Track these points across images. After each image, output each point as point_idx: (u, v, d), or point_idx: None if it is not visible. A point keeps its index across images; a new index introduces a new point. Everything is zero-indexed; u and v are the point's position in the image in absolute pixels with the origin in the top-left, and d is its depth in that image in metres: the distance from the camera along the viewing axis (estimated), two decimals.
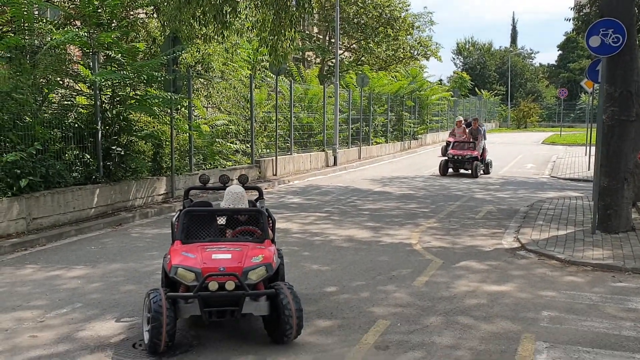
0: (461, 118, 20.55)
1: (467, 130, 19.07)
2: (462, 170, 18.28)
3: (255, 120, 16.88)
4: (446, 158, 18.40)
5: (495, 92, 63.71)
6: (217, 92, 16.03)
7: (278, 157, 17.58)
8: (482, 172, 18.23)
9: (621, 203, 9.37)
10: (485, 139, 19.36)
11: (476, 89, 58.33)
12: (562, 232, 9.60)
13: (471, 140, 18.47)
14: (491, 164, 19.01)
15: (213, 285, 4.73)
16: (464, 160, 17.87)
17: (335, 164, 20.70)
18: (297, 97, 19.75)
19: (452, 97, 41.87)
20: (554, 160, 23.74)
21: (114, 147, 11.34)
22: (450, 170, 18.31)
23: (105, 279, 7.08)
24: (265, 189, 15.69)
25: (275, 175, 17.40)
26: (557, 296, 6.48)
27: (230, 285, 4.75)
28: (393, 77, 32.54)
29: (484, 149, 18.59)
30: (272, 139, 17.75)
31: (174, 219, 5.71)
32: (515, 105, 62.41)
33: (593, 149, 10.28)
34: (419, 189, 15.52)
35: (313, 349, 5.07)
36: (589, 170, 18.46)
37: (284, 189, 15.71)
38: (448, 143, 19.50)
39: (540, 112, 61.06)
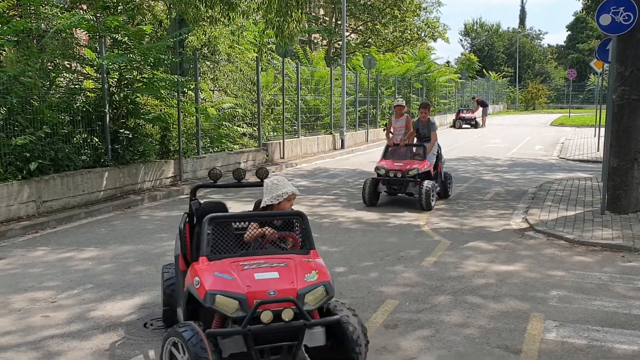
0: (401, 101, 11.59)
1: (411, 122, 11.24)
2: (402, 195, 10.57)
3: (262, 103, 16.85)
4: (375, 176, 10.55)
5: (503, 73, 63.27)
6: (224, 75, 16.00)
7: (285, 140, 17.57)
8: (435, 196, 10.40)
9: (631, 183, 9.31)
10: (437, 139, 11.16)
11: (484, 71, 57.94)
12: (571, 212, 9.57)
13: (418, 143, 10.86)
14: (451, 180, 11.43)
15: (266, 316, 3.57)
16: (404, 180, 10.18)
17: (342, 147, 20.67)
18: (304, 79, 19.68)
19: (459, 79, 41.64)
20: (562, 141, 23.60)
21: (121, 131, 11.36)
22: (385, 192, 10.67)
23: (115, 261, 7.14)
24: (273, 172, 15.72)
25: (283, 158, 17.41)
26: (566, 276, 6.48)
27: (287, 314, 3.61)
28: (400, 59, 32.38)
29: (438, 157, 10.95)
30: (279, 122, 17.72)
31: (181, 224, 4.66)
32: (524, 87, 61.99)
33: (602, 130, 10.21)
34: (445, 163, 15.46)
35: None
36: (598, 151, 18.34)
37: (291, 172, 15.72)
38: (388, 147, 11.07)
39: (549, 94, 60.62)
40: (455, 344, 4.73)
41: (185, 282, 4.08)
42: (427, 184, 10.07)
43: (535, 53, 71.77)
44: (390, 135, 11.27)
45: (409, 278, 6.43)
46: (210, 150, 14.61)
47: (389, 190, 10.53)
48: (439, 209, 10.35)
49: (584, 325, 5.07)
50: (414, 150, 10.74)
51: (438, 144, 11.03)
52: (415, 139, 11.03)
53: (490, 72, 58.30)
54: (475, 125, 33.34)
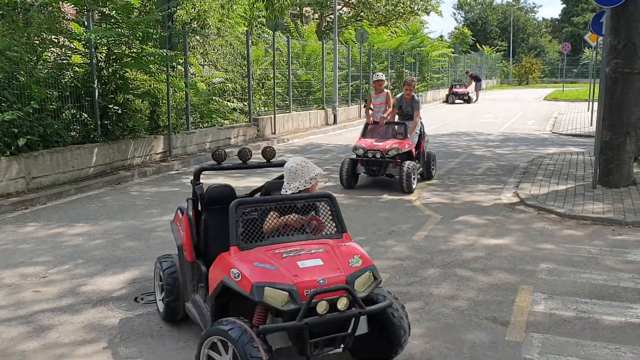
0: (381, 75, 10.70)
1: (392, 100, 10.50)
2: (382, 176, 10.05)
3: (253, 78, 16.70)
4: (354, 156, 9.84)
5: (497, 47, 62.93)
6: (213, 50, 15.80)
7: (276, 115, 17.46)
8: (418, 177, 9.90)
9: (623, 157, 9.32)
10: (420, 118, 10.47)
11: (477, 45, 57.57)
12: (562, 187, 9.59)
13: (399, 121, 10.32)
14: (435, 161, 10.82)
15: (322, 306, 3.33)
16: (384, 161, 9.57)
17: (335, 122, 20.57)
18: (295, 53, 19.49)
19: (453, 53, 41.37)
20: (555, 116, 23.59)
21: (110, 106, 11.24)
22: (364, 173, 9.99)
23: (106, 236, 7.11)
24: None
25: (274, 133, 17.32)
26: (556, 249, 6.51)
27: (342, 303, 3.39)
28: (393, 33, 32.09)
29: (421, 136, 10.28)
30: (270, 96, 17.59)
31: (188, 211, 4.31)
32: (517, 61, 61.77)
33: (596, 104, 10.17)
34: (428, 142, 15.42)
35: None
36: (591, 125, 18.35)
37: (283, 147, 15.65)
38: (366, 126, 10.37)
39: (543, 68, 60.46)
40: (444, 315, 4.76)
41: (213, 275, 3.72)
42: (408, 165, 9.38)
43: (529, 27, 71.38)
44: (370, 112, 10.63)
45: (400, 252, 6.44)
46: (200, 125, 14.51)
47: (368, 172, 9.81)
48: (430, 184, 10.35)
49: (572, 298, 5.11)
50: (395, 129, 10.00)
51: (421, 122, 10.36)
52: (397, 117, 10.46)
53: (483, 46, 57.95)
54: (468, 101, 33.29)
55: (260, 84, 18.03)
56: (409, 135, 9.82)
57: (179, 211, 4.66)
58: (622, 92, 9.19)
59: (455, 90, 33.77)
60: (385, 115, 10.25)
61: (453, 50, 41.77)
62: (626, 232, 7.18)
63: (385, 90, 10.57)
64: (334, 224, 3.90)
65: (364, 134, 10.17)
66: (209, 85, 14.93)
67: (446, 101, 34.09)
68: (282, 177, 4.38)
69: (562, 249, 6.53)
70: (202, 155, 13.34)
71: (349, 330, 3.48)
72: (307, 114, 19.50)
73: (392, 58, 27.76)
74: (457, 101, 33.47)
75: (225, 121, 15.54)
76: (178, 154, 13.14)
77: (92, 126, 10.88)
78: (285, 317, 3.39)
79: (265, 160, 4.42)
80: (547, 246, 6.62)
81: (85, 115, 10.76)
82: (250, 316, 3.46)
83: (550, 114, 24.79)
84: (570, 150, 14.09)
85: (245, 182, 10.02)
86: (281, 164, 4.44)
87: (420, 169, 10.24)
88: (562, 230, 7.31)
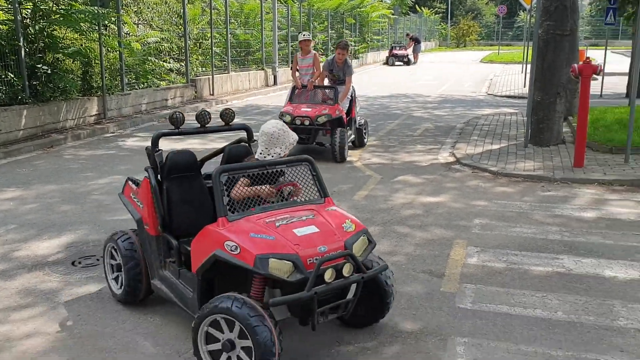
0: (307, 35, 10.08)
1: (319, 61, 9.96)
2: (312, 145, 9.32)
3: (189, 38, 16.23)
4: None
5: (436, 10, 63.39)
6: (148, 8, 15.20)
7: (215, 76, 17.11)
8: (349, 144, 9.41)
9: (553, 117, 9.70)
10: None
11: (417, 7, 57.81)
12: (496, 146, 9.91)
13: (329, 85, 9.61)
14: (367, 127, 10.44)
15: (329, 274, 3.22)
16: (314, 128, 8.99)
17: (275, 83, 20.36)
18: (233, 12, 19.03)
19: (392, 14, 41.43)
20: (491, 78, 24.16)
21: (39, 66, 10.68)
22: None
23: (39, 200, 6.87)
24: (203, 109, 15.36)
25: (213, 95, 17.00)
26: (489, 205, 6.77)
27: (347, 269, 3.30)
28: None
29: (352, 102, 9.68)
30: (208, 57, 17.18)
31: (151, 180, 3.96)
32: (455, 24, 62.48)
33: (529, 66, 10.47)
34: (360, 108, 15.50)
35: None
36: (524, 87, 18.90)
37: (222, 108, 15.40)
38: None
39: (480, 31, 61.48)
40: None
41: (198, 249, 3.49)
42: (339, 132, 8.80)
43: None
44: (297, 75, 9.83)
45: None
46: (136, 87, 14.05)
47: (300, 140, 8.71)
48: (371, 145, 10.47)
49: (503, 250, 5.36)
50: (326, 94, 9.33)
51: (353, 87, 9.74)
52: (326, 81, 9.75)
53: (422, 8, 58.27)
54: (407, 63, 33.57)
55: (198, 44, 17.55)
56: (339, 101, 9.17)
57: (130, 182, 4.31)
58: (554, 53, 9.50)
59: (395, 52, 33.96)
60: (314, 78, 9.63)
61: (393, 11, 41.86)
62: (555, 188, 7.53)
63: (313, 51, 9.91)
64: (315, 189, 3.77)
65: (291, 99, 9.44)
66: (143, 45, 14.40)
67: (386, 63, 34.27)
68: (239, 141, 4.28)
69: (495, 205, 6.79)
70: (138, 117, 12.96)
71: (352, 296, 3.45)
72: (247, 74, 19.19)
73: (332, 18, 27.55)
74: (397, 63, 33.69)
75: (161, 82, 15.10)
76: (113, 116, 12.72)
77: (19, 87, 10.33)
78: (286, 288, 3.30)
79: (224, 124, 4.16)
80: (481, 203, 6.87)
81: (12, 76, 10.20)
82: (240, 290, 3.32)
83: (486, 76, 25.37)
84: (505, 111, 14.52)
85: (182, 147, 9.84)
86: (243, 127, 4.35)
87: (352, 137, 9.68)
88: (495, 187, 7.59)
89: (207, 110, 4.14)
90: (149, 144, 4.11)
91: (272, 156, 3.85)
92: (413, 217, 6.34)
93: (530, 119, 9.78)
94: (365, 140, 10.25)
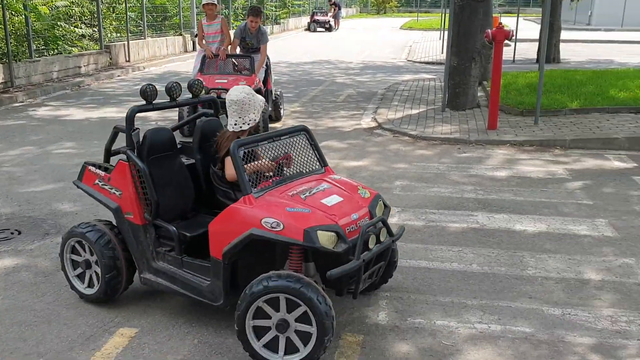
0: None
1: (227, 27, 9.20)
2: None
3: (102, 2, 15.45)
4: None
5: None
6: None
7: (130, 42, 16.44)
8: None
9: (468, 82, 10.04)
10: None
11: None
12: (415, 111, 10.18)
13: (243, 54, 8.95)
14: (283, 99, 9.71)
15: (373, 241, 3.24)
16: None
17: (194, 48, 19.77)
18: None
19: None
20: (410, 45, 24.58)
21: None
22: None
23: None
24: (118, 76, 14.79)
25: (129, 61, 16.35)
26: (409, 168, 6.98)
27: (384, 234, 3.34)
28: None
29: (267, 72, 9.13)
30: (123, 22, 16.45)
31: (136, 163, 3.56)
32: None
33: (447, 33, 10.75)
34: (282, 74, 15.42)
35: None
36: (442, 53, 19.38)
37: (139, 75, 14.90)
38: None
39: None
40: None
41: (223, 231, 3.25)
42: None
43: None
44: (204, 43, 8.98)
45: None
46: (45, 53, 13.29)
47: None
48: (294, 111, 10.47)
49: (422, 209, 5.57)
50: (240, 63, 8.68)
51: (268, 56, 9.09)
52: (237, 50, 9.05)
53: None
54: (329, 29, 33.52)
55: (111, 9, 16.75)
56: (256, 72, 8.49)
57: (91, 168, 3.84)
58: (469, 19, 9.79)
59: (316, 18, 33.80)
60: (225, 46, 8.86)
61: None
62: (470, 149, 7.86)
63: (220, 16, 9.15)
64: (315, 159, 3.68)
65: (201, 69, 8.60)
66: (52, 9, 13.58)
67: (308, 29, 34.07)
68: (207, 115, 4.07)
69: (415, 167, 7.02)
70: (49, 86, 12.30)
71: (385, 260, 3.52)
72: (164, 40, 18.56)
73: None
74: (318, 29, 33.58)
75: (73, 49, 14.35)
76: (22, 84, 12.00)
77: None
78: (321, 259, 3.30)
79: (192, 96, 3.94)
80: (401, 165, 7.08)
81: None
82: (266, 268, 3.24)
83: (406, 42, 25.79)
84: (423, 77, 14.87)
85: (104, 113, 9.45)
86: (211, 99, 4.14)
87: (269, 110, 9.00)
88: (415, 150, 7.83)
89: (177, 83, 3.77)
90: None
91: (249, 124, 3.69)
92: None
93: (447, 84, 10.09)
94: (282, 113, 9.62)
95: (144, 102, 3.69)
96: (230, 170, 3.53)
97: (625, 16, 31.21)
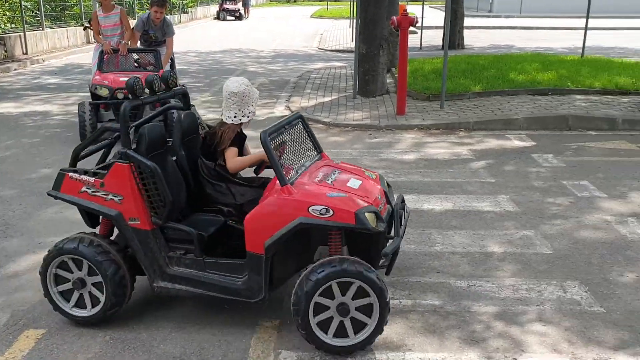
0: None
1: (127, 18, 8.33)
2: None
3: None
4: (98, 98, 7.44)
5: None
6: None
7: (27, 33, 15.52)
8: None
9: (377, 68, 10.26)
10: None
11: None
12: (328, 98, 10.29)
13: (147, 47, 8.27)
14: (188, 94, 5.02)
15: (402, 217, 3.54)
16: (143, 103, 4.30)
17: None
18: None
19: None
20: (321, 33, 24.76)
21: None
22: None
23: None
24: (15, 69, 13.95)
25: (26, 54, 15.46)
26: None
27: (405, 211, 3.68)
28: None
29: (172, 66, 8.68)
30: (18, 12, 15.50)
31: (141, 163, 3.30)
32: None
33: (356, 21, 10.91)
34: (191, 63, 15.12)
35: None
36: (352, 41, 19.67)
37: (38, 69, 14.11)
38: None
39: None
40: None
41: (265, 224, 3.16)
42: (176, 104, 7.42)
43: None
44: (101, 37, 8.11)
45: None
46: None
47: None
48: (206, 101, 10.31)
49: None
50: (145, 58, 7.95)
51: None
52: (138, 44, 8.30)
53: None
54: (239, 17, 33.12)
55: None
56: (163, 67, 7.85)
57: (73, 175, 3.43)
58: (375, 7, 9.99)
59: (226, 6, 33.25)
60: (126, 39, 8.02)
61: None
62: (380, 135, 8.05)
63: (118, 6, 8.38)
64: (312, 146, 3.74)
65: (100, 67, 7.73)
66: None
67: (217, 17, 33.49)
68: (176, 108, 3.96)
69: (328, 154, 6.95)
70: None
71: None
72: (65, 31, 17.66)
73: None
74: (228, 17, 33.08)
75: None
76: None
77: None
78: (358, 240, 3.38)
79: (166, 89, 3.73)
80: None
81: None
82: (291, 260, 3.37)
83: (317, 31, 25.96)
84: (335, 64, 15.04)
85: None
86: (182, 92, 3.91)
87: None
88: (328, 137, 7.93)
89: (136, 77, 3.45)
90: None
91: (248, 116, 3.66)
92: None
93: (357, 71, 10.27)
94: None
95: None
96: (234, 163, 3.60)
97: (523, 4, 32.92)
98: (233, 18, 33.11)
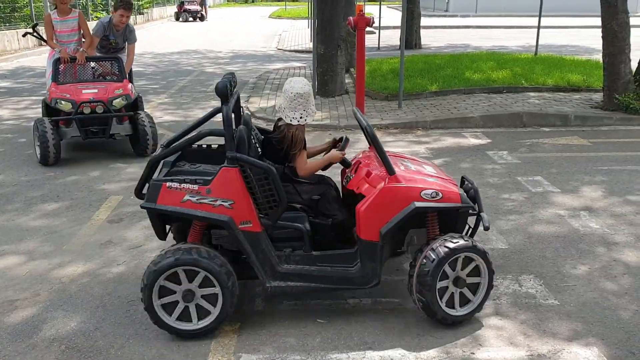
0: None
1: (86, 22, 7.45)
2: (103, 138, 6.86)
3: None
4: (61, 114, 6.64)
5: None
6: None
7: None
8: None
9: (336, 69, 10.30)
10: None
11: None
12: None
13: (106, 55, 7.47)
14: (142, 101, 7.36)
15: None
16: (110, 116, 6.63)
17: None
18: None
19: None
20: (280, 33, 24.71)
21: None
22: (73, 138, 6.96)
23: None
24: None
25: None
26: None
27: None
28: None
29: (130, 76, 7.59)
30: None
31: (262, 165, 3.28)
32: None
33: (314, 22, 10.93)
34: (147, 65, 14.89)
35: (40, 231, 4.78)
36: (310, 41, 19.69)
37: None
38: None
39: None
40: None
41: (380, 212, 3.34)
42: (146, 116, 6.86)
43: None
44: (55, 43, 7.12)
45: (133, 173, 6.31)
46: None
47: (85, 135, 6.60)
48: (162, 103, 10.16)
49: None
50: (107, 67, 7.22)
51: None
52: (95, 52, 7.37)
53: None
54: (202, 18, 32.60)
55: None
56: (125, 75, 7.17)
57: (172, 184, 3.24)
58: (332, 8, 10.02)
59: (187, 7, 32.69)
60: (85, 47, 7.13)
61: None
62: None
63: (75, 10, 7.40)
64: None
65: (55, 78, 6.83)
66: None
67: (177, 19, 33.03)
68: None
69: None
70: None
71: None
72: (15, 33, 17.14)
73: None
74: (190, 19, 32.61)
75: None
76: None
77: None
78: (451, 216, 3.64)
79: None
80: None
81: None
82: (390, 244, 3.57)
83: (275, 31, 25.89)
84: (294, 65, 15.03)
85: None
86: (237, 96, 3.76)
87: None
88: None
89: (230, 79, 3.34)
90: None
91: (311, 116, 3.70)
92: None
93: (315, 71, 10.28)
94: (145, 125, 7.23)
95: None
96: (308, 168, 3.66)
97: (478, 3, 33.56)
98: (194, 19, 32.67)
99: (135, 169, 6.41)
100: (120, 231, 4.80)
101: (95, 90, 6.69)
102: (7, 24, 17.32)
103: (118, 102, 6.69)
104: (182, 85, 11.96)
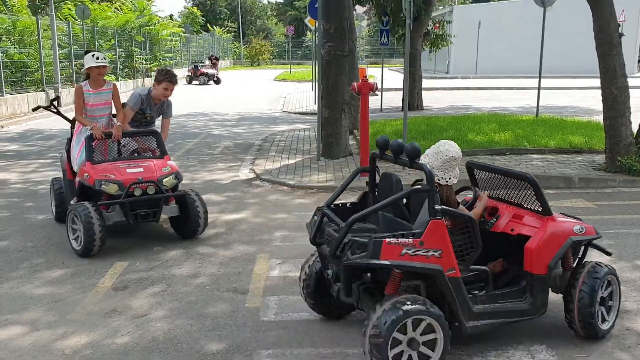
0: (101, 58, 6.35)
1: (119, 95, 6.59)
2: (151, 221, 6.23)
3: None
4: (107, 198, 5.90)
5: (227, 29, 64.33)
6: None
7: None
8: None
9: (340, 132, 10.45)
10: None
11: (208, 25, 58.11)
12: (292, 160, 10.37)
13: (144, 130, 6.73)
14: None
15: None
16: (160, 197, 5.96)
17: (59, 105, 18.85)
18: (5, 29, 17.34)
19: (184, 32, 41.12)
20: (284, 96, 25.17)
21: None
22: (117, 222, 6.02)
23: None
24: None
25: None
26: (288, 217, 7.05)
27: None
28: (118, 10, 30.56)
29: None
30: None
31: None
32: (248, 43, 63.99)
33: (318, 84, 11.19)
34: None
35: (44, 299, 4.73)
36: (315, 104, 20.03)
37: None
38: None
39: (271, 50, 63.70)
40: (186, 294, 4.83)
41: (545, 247, 3.87)
42: (196, 196, 6.24)
43: (256, 9, 74.39)
44: (85, 117, 6.35)
45: (137, 238, 6.29)
46: None
47: (134, 219, 5.92)
48: None
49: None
50: (145, 142, 6.53)
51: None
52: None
53: (214, 26, 58.72)
54: (217, 81, 33.03)
55: None
56: (163, 152, 6.51)
57: (391, 240, 3.44)
58: (336, 73, 10.26)
59: (204, 70, 33.15)
60: (120, 121, 6.42)
61: (184, 29, 41.52)
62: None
63: (110, 82, 6.66)
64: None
65: (90, 157, 6.03)
66: None
67: (190, 82, 33.58)
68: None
69: (294, 216, 7.10)
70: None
71: None
72: (25, 96, 17.53)
73: (120, 36, 26.45)
74: (209, 82, 32.97)
75: None
76: None
77: None
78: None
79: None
80: (281, 215, 7.13)
81: None
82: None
83: (280, 94, 26.39)
84: (299, 127, 15.25)
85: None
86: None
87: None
88: (293, 199, 7.94)
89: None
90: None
91: (456, 178, 4.01)
92: (216, 236, 6.34)
93: (320, 134, 10.43)
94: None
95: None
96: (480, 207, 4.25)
97: (478, 65, 34.31)
98: (212, 83, 33.06)
99: (139, 235, 6.40)
100: (125, 299, 4.75)
101: (141, 170, 6.00)
102: (18, 88, 17.73)
103: (168, 181, 6.09)
104: (189, 148, 12.10)
